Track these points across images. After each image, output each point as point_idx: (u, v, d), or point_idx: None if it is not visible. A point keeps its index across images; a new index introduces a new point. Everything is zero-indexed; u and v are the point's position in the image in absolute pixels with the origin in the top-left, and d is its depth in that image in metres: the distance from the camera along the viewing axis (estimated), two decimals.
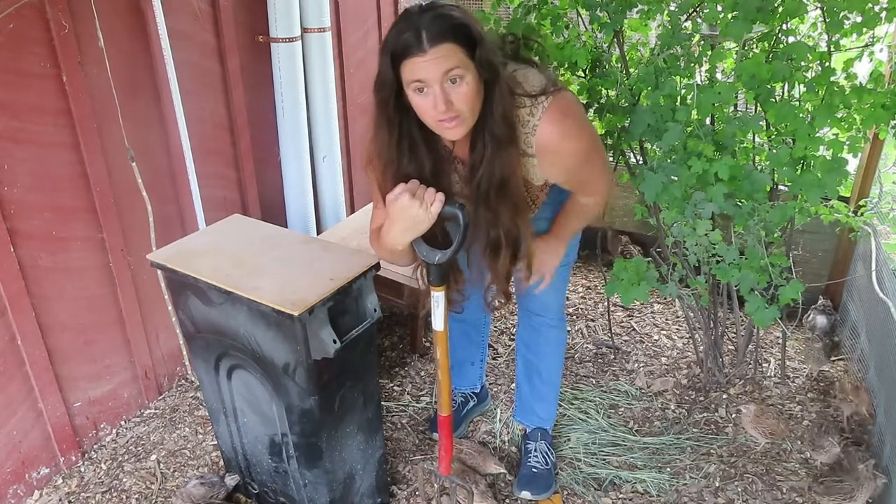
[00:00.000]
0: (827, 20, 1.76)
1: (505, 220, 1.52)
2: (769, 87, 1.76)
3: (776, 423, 2.27)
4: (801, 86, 1.82)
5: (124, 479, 2.20)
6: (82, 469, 2.24)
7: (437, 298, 1.59)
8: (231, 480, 2.04)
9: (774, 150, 1.79)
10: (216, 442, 2.21)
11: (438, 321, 1.62)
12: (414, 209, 1.39)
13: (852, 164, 2.47)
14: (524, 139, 1.48)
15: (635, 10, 2.04)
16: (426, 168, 1.47)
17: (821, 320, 2.76)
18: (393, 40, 1.31)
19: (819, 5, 1.79)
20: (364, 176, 1.64)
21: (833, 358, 2.70)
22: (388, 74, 1.34)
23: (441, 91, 1.30)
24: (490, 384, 2.59)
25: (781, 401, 2.48)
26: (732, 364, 2.58)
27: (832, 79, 1.75)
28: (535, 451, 2.16)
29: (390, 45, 1.32)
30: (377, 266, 1.70)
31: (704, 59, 1.95)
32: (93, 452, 2.31)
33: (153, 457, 2.29)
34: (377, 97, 1.40)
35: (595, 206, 1.72)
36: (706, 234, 1.94)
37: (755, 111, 2.01)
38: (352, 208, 3.15)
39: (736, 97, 1.98)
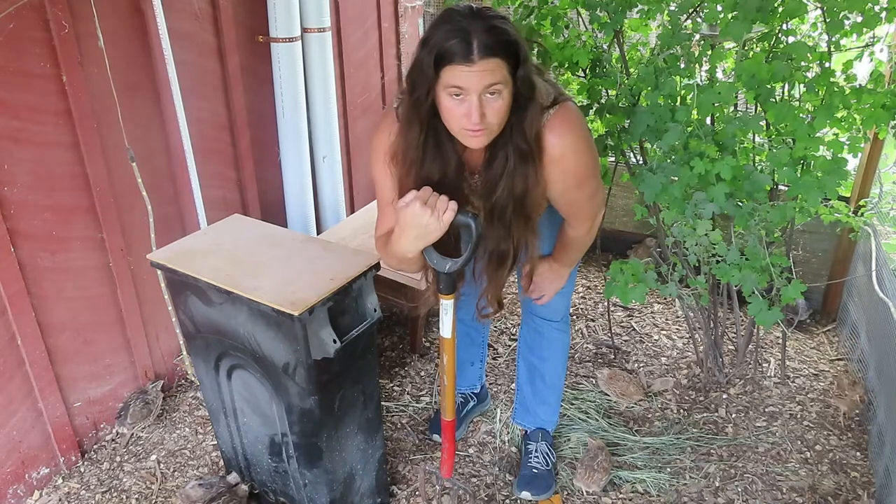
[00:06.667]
0: (827, 20, 1.76)
1: (517, 233, 1.52)
2: (769, 87, 1.76)
3: (626, 385, 2.48)
4: (801, 86, 1.82)
5: (124, 479, 2.20)
6: (82, 469, 2.24)
7: (446, 306, 1.57)
8: (232, 479, 2.04)
9: (774, 150, 1.80)
10: (216, 442, 2.21)
11: (447, 328, 1.61)
12: (425, 217, 1.37)
13: (852, 164, 2.47)
14: None
15: (635, 10, 2.04)
16: (450, 170, 1.46)
17: (800, 302, 2.74)
18: (440, 42, 1.27)
19: (819, 5, 1.79)
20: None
21: (833, 358, 2.71)
22: (428, 73, 1.30)
23: (479, 102, 1.29)
24: (490, 384, 2.58)
25: (781, 401, 2.48)
26: (732, 364, 2.58)
27: (832, 79, 1.75)
28: (536, 451, 2.16)
29: (435, 45, 1.28)
30: (377, 266, 1.70)
31: (704, 59, 1.95)
32: (93, 452, 2.31)
33: (153, 457, 2.29)
34: (412, 94, 1.37)
35: (586, 235, 1.72)
36: (706, 234, 1.94)
37: (755, 111, 2.01)
38: (352, 208, 3.15)
39: (736, 97, 1.98)
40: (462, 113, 1.31)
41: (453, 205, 1.39)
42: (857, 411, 2.33)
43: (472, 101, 1.29)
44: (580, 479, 2.11)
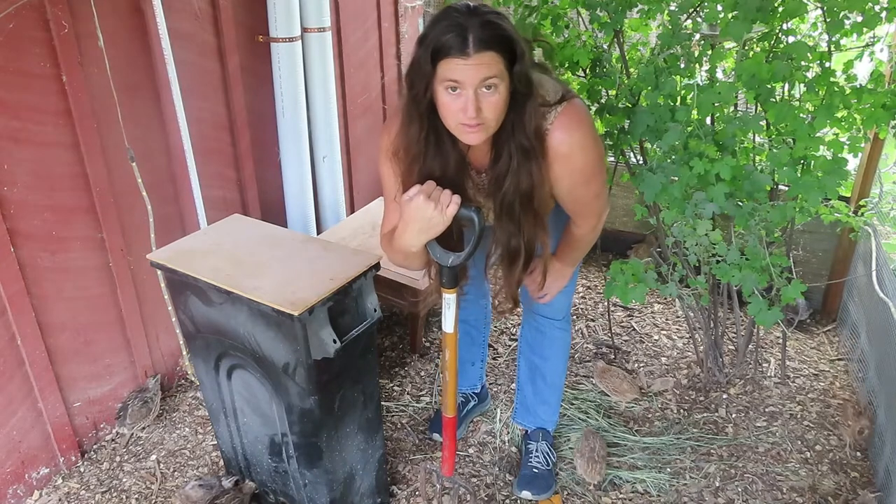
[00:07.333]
0: (827, 20, 1.76)
1: (527, 229, 1.53)
2: (769, 87, 1.76)
3: (620, 381, 2.47)
4: (801, 86, 1.82)
5: (124, 479, 2.20)
6: (82, 469, 2.24)
7: (449, 301, 1.57)
8: (227, 483, 2.03)
9: (774, 150, 1.80)
10: (216, 442, 2.21)
11: (449, 323, 1.60)
12: (429, 211, 1.38)
13: (852, 163, 2.47)
14: None
15: (635, 9, 2.04)
16: (450, 166, 1.47)
17: (800, 301, 2.72)
18: (437, 36, 1.29)
19: (819, 5, 1.79)
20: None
21: (833, 358, 2.71)
22: (426, 68, 1.32)
23: (474, 97, 1.30)
24: (490, 384, 2.58)
25: (782, 401, 2.48)
26: (732, 364, 2.58)
27: (832, 79, 1.75)
28: (536, 451, 2.16)
29: (432, 40, 1.30)
30: (377, 266, 1.70)
31: (704, 59, 1.95)
32: (92, 452, 2.31)
33: (153, 457, 2.29)
34: (410, 90, 1.38)
35: (590, 233, 1.74)
36: (706, 234, 1.94)
37: (755, 111, 2.01)
38: (352, 208, 3.15)
39: (736, 97, 1.98)
40: (458, 107, 1.32)
41: (457, 198, 1.39)
42: (861, 443, 2.27)
43: (467, 96, 1.30)
44: (582, 470, 2.12)
